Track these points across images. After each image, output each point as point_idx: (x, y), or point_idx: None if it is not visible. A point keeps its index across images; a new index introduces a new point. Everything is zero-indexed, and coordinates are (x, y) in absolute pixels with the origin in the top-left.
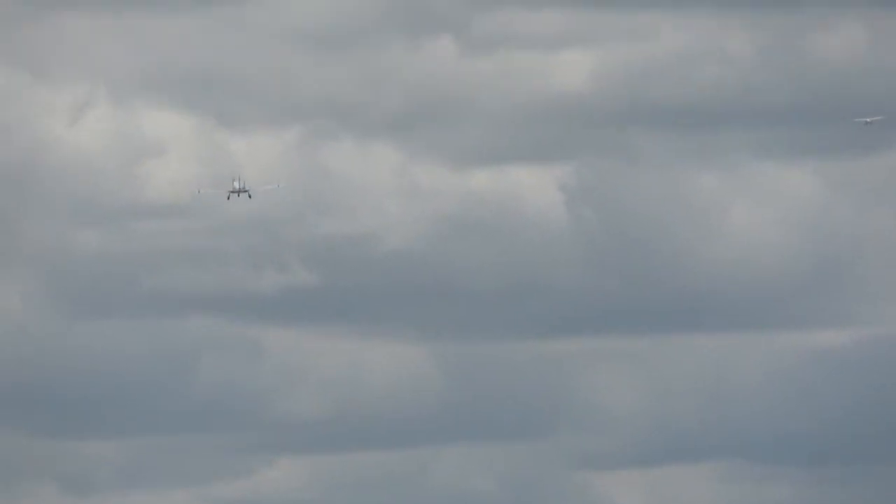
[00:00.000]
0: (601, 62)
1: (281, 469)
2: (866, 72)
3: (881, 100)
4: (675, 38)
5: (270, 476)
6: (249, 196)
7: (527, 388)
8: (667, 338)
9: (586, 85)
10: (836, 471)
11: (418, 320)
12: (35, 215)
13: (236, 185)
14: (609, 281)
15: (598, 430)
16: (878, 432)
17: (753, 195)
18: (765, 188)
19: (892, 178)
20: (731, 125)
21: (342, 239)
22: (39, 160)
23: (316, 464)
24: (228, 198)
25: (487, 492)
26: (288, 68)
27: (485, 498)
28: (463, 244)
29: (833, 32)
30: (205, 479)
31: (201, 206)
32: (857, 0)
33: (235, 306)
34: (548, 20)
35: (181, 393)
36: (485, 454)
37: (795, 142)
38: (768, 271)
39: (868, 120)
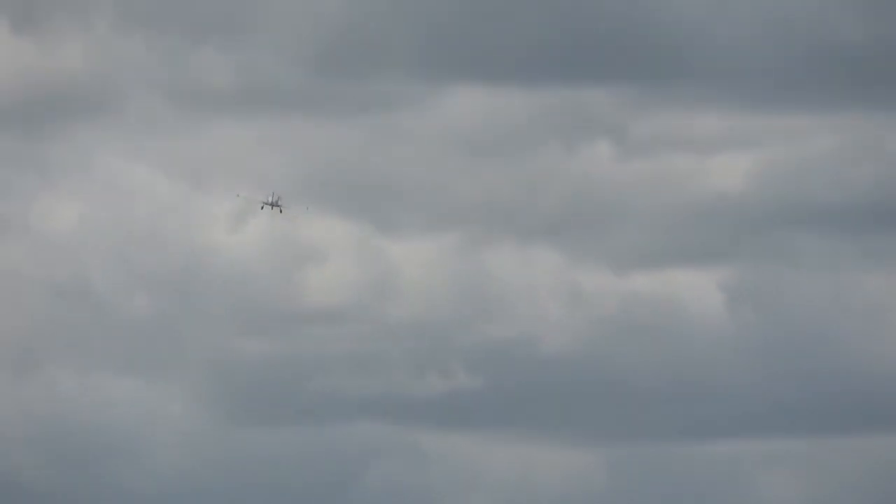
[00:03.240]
0: (759, 163)
1: None
2: None
3: None
4: (832, 138)
5: None
6: (280, 211)
7: (691, 489)
8: (832, 440)
9: (745, 186)
10: None
11: (582, 423)
12: (197, 323)
13: (270, 198)
14: (772, 382)
15: None
16: None
17: None
18: None
19: None
20: (892, 224)
21: (504, 343)
22: (200, 268)
23: None
24: (262, 208)
25: None
26: (445, 173)
27: None
28: (625, 346)
29: None
30: None
31: (362, 312)
32: None
33: (399, 411)
34: (704, 123)
35: (346, 500)
36: None
37: None
38: None
39: None
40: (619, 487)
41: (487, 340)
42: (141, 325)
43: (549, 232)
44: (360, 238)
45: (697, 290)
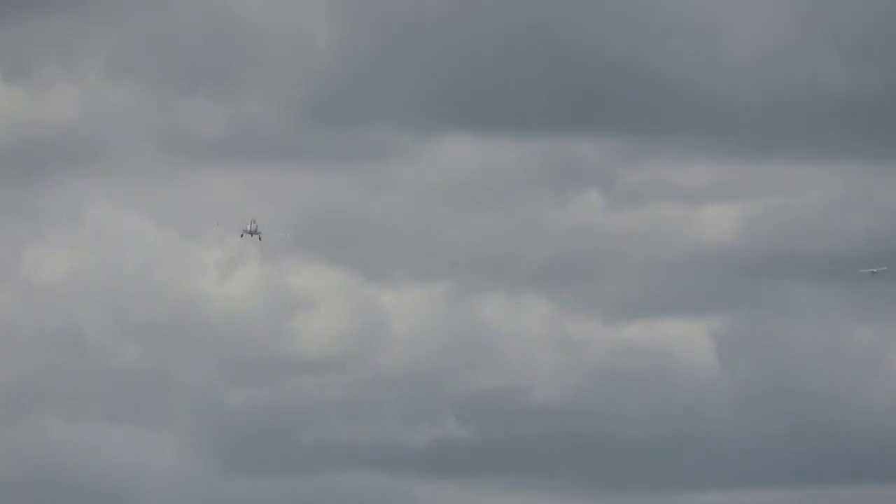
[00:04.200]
0: (749, 214)
1: None
2: None
3: None
4: (821, 189)
5: None
6: (259, 238)
7: None
8: (824, 490)
9: (734, 237)
10: None
11: (572, 473)
12: (187, 372)
13: (249, 226)
14: (763, 432)
15: None
16: None
17: None
18: None
19: None
20: (881, 274)
21: (495, 392)
22: (190, 317)
23: None
24: (241, 236)
25: None
26: (436, 222)
27: None
28: (615, 396)
29: None
30: None
31: (352, 361)
32: None
33: (389, 461)
34: (694, 173)
35: None
36: None
37: None
38: None
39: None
40: None
41: (478, 390)
42: (131, 373)
43: (539, 281)
44: (351, 287)
45: (688, 339)
